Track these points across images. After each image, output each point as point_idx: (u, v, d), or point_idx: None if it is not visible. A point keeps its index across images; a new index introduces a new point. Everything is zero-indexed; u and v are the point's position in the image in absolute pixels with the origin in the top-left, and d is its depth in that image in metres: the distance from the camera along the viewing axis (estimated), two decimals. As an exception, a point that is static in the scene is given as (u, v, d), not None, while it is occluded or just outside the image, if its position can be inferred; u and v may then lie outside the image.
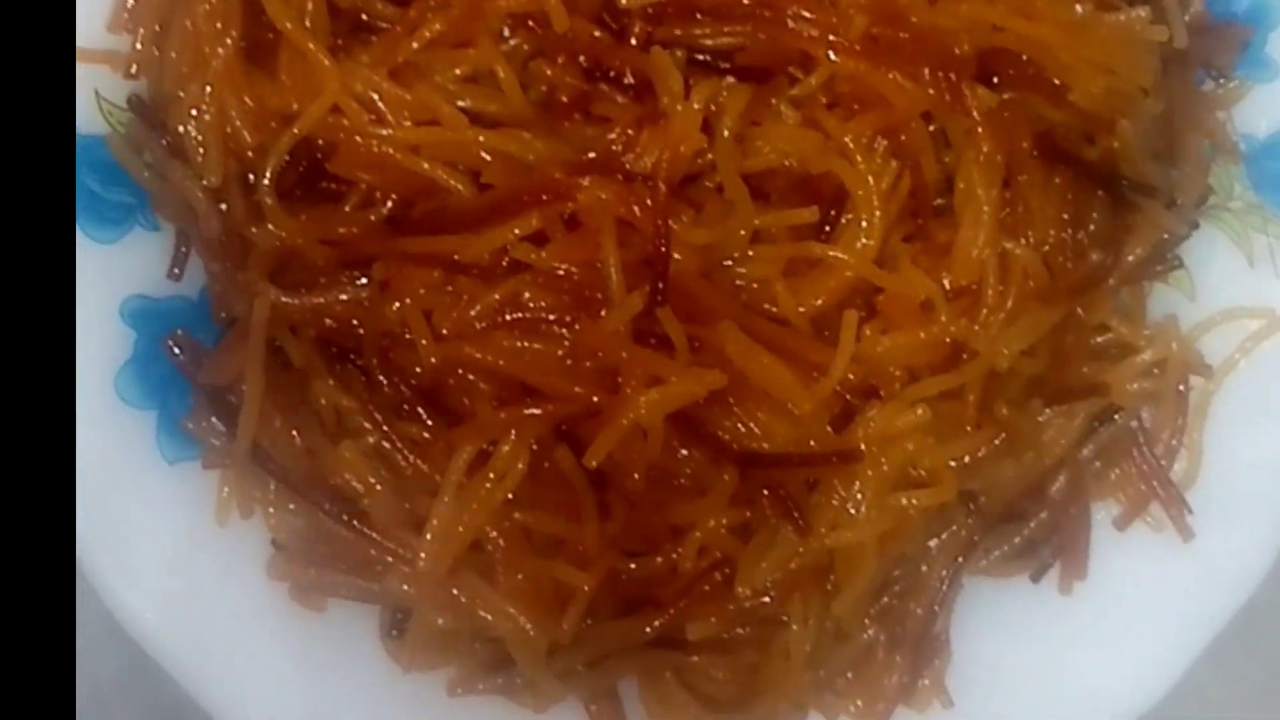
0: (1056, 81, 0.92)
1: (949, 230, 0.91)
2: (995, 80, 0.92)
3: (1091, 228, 0.95)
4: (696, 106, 0.86)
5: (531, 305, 0.85)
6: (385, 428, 0.87)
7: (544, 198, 0.85)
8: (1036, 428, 0.95)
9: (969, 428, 0.92)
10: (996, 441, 0.92)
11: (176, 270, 0.91)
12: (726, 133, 0.86)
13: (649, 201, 0.84)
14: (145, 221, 0.92)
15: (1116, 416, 0.97)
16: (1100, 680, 0.97)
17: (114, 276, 0.90)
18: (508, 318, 0.84)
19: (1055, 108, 0.92)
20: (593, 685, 0.89)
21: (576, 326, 0.84)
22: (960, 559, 0.95)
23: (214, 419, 0.89)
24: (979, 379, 0.91)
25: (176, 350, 0.90)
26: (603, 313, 0.84)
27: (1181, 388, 0.99)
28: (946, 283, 0.90)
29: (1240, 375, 1.00)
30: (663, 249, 0.84)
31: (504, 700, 0.90)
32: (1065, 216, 0.93)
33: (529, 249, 0.84)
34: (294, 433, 0.89)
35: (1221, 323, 1.00)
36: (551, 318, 0.85)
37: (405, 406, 0.88)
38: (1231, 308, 1.00)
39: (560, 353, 0.84)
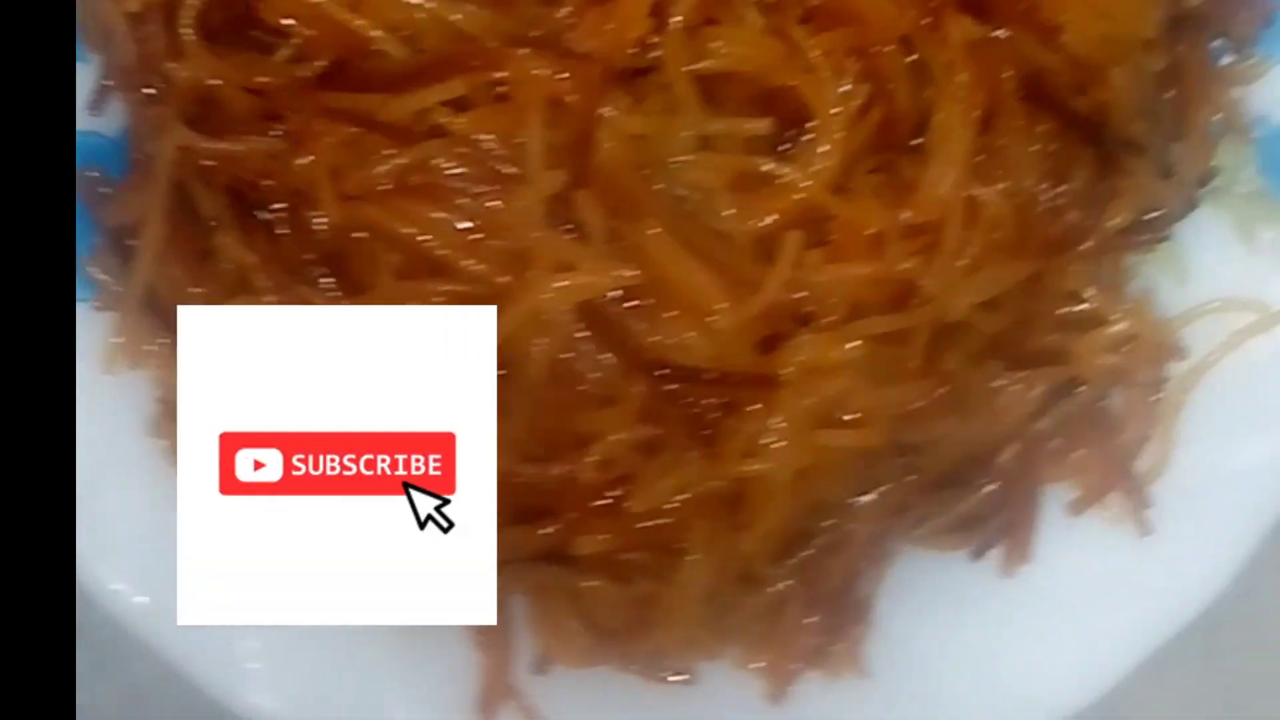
0: (1050, 21, 0.85)
1: (919, 168, 0.85)
2: (983, 12, 0.85)
3: (1074, 185, 0.89)
4: (647, -8, 0.80)
5: (443, 172, 0.78)
6: (285, 289, 0.82)
7: (474, 64, 0.79)
8: (990, 391, 0.89)
9: (912, 377, 0.84)
10: (939, 393, 0.84)
11: (96, 104, 0.87)
12: (676, 22, 0.81)
13: (582, 81, 0.78)
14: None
15: (1080, 390, 0.89)
16: (1032, 671, 0.91)
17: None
18: (414, 184, 0.78)
19: (1046, 49, 0.86)
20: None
21: (489, 201, 0.78)
22: (890, 520, 0.88)
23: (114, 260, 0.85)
24: (927, 324, 0.85)
25: (86, 185, 0.85)
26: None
27: (1160, 374, 0.91)
28: (905, 216, 0.84)
29: (1224, 370, 0.94)
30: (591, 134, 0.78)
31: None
32: (1045, 168, 0.87)
33: (448, 113, 0.80)
34: (193, 286, 0.84)
35: (1211, 312, 0.94)
36: (462, 189, 0.79)
37: (308, 270, 0.83)
38: (1224, 297, 0.94)
39: (468, 226, 0.79)
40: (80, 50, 0.88)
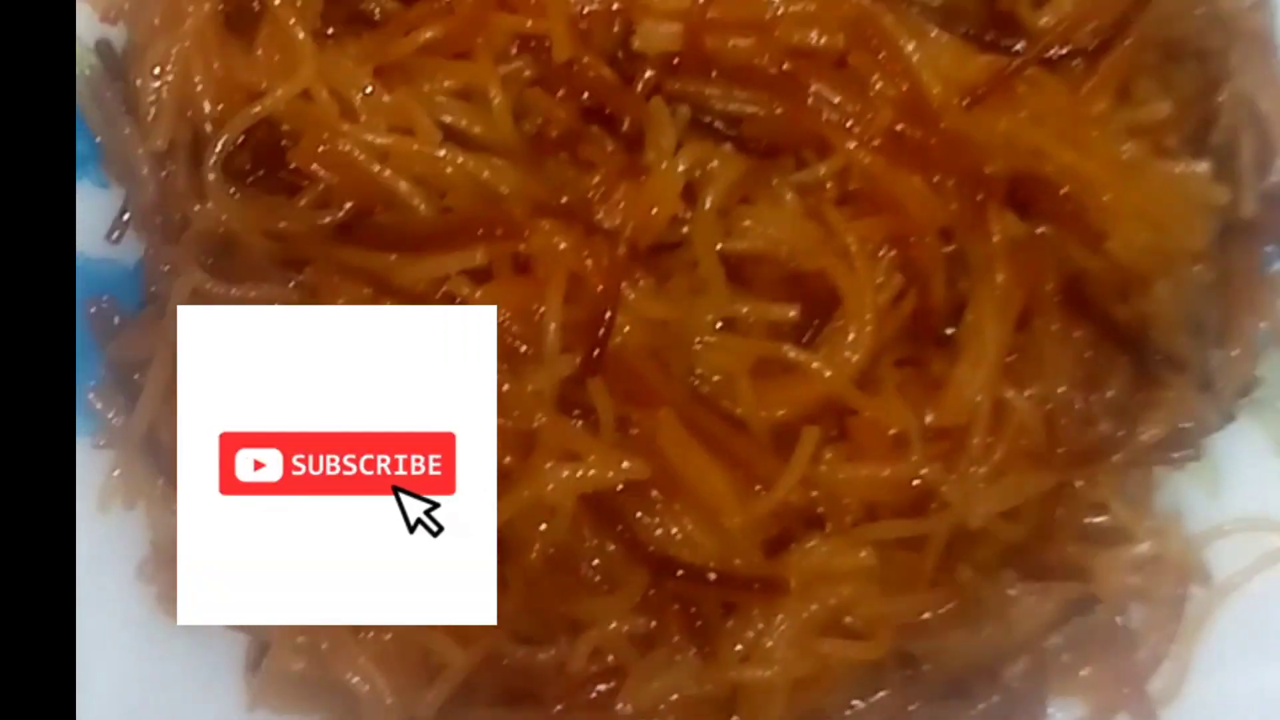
0: (1095, 225, 0.82)
1: (947, 364, 0.82)
2: (1027, 210, 0.83)
3: (1108, 394, 0.86)
4: (681, 168, 0.79)
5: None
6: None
7: (497, 232, 0.77)
8: (1003, 601, 0.86)
9: (922, 585, 0.81)
10: (950, 606, 0.81)
11: (116, 233, 0.86)
12: (709, 202, 0.78)
13: (605, 259, 0.75)
14: (94, 176, 0.87)
15: (1096, 608, 0.86)
16: None
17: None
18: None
19: (1090, 253, 0.83)
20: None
21: (499, 380, 0.75)
22: (888, 728, 0.84)
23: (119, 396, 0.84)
24: (944, 533, 0.82)
25: (95, 316, 0.83)
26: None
27: (1180, 591, 0.87)
28: (930, 419, 0.81)
29: (1251, 594, 0.89)
30: (608, 313, 0.75)
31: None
32: (1080, 375, 0.84)
33: (465, 283, 0.77)
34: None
35: (1241, 530, 0.90)
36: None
37: None
38: (1255, 516, 0.90)
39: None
40: (101, 177, 0.86)
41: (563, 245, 0.77)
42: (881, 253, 0.82)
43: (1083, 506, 0.88)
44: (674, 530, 0.79)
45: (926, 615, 0.82)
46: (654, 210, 0.78)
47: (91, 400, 0.84)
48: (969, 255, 0.83)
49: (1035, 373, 0.83)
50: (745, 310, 0.81)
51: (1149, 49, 0.83)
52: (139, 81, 0.83)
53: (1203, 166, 0.84)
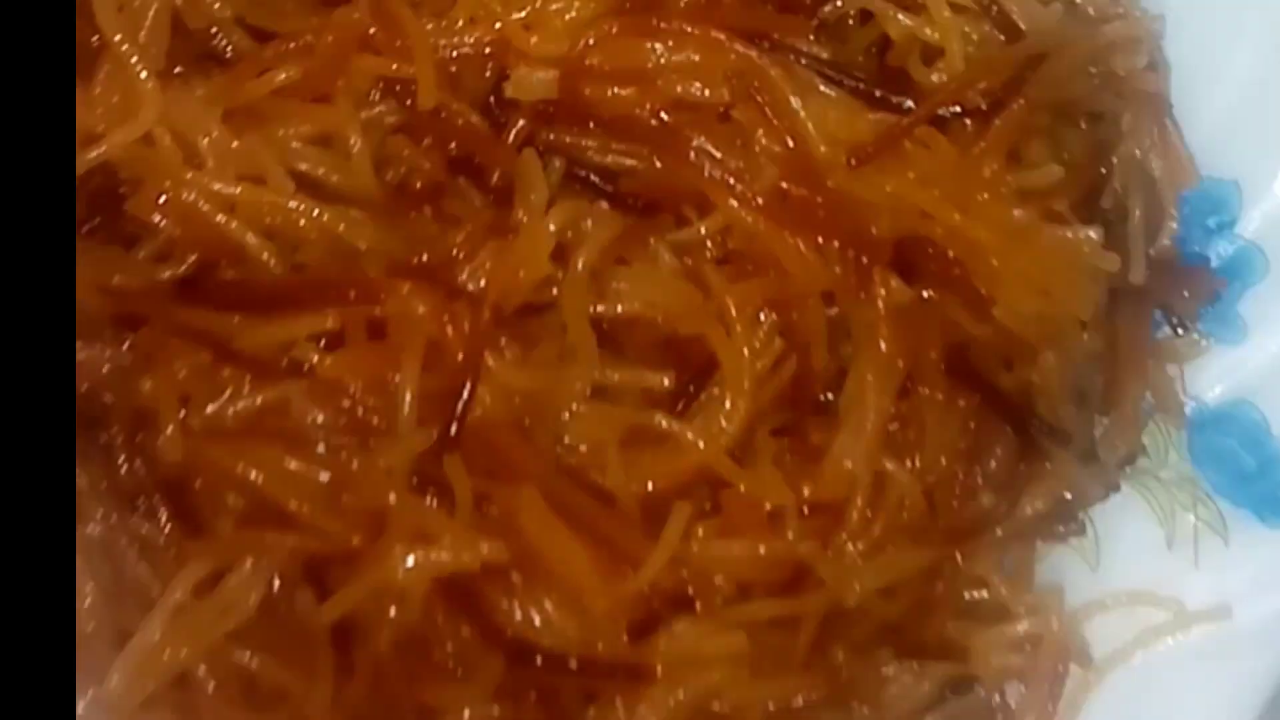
0: (982, 291, 0.79)
1: (826, 433, 0.79)
2: (912, 274, 0.80)
3: (990, 465, 0.83)
4: (552, 227, 0.74)
5: (303, 417, 0.70)
6: (115, 520, 0.73)
7: (351, 294, 0.71)
8: (877, 680, 0.82)
9: (795, 667, 0.78)
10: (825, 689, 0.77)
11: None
12: (580, 264, 0.73)
13: (467, 325, 0.70)
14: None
15: (975, 688, 0.82)
16: None
17: None
18: (272, 426, 0.70)
19: (975, 320, 0.80)
20: None
21: (349, 454, 0.70)
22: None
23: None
24: (818, 612, 0.78)
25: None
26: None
27: (1060, 669, 0.84)
28: (807, 492, 0.77)
29: (1131, 670, 0.87)
30: (467, 384, 0.70)
31: None
32: (962, 446, 0.81)
33: (313, 350, 0.72)
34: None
35: (1121, 606, 0.87)
36: (323, 437, 0.71)
37: (143, 501, 0.75)
38: (1137, 590, 0.88)
39: (324, 479, 0.71)
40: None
41: (421, 309, 0.72)
42: (762, 316, 0.78)
43: (961, 581, 0.84)
44: (533, 614, 0.74)
45: (798, 700, 0.77)
46: (521, 273, 0.73)
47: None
48: (851, 320, 0.79)
49: (917, 443, 0.80)
50: (617, 379, 0.76)
51: (1041, 110, 0.79)
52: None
53: (1093, 232, 0.80)
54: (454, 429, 0.71)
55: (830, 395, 0.80)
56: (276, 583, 0.73)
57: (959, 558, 0.83)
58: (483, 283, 0.74)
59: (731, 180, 0.77)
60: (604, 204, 0.76)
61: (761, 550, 0.77)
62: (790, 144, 0.77)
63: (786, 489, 0.77)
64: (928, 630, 0.83)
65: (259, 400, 0.72)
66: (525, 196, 0.75)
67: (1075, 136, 0.83)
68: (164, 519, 0.75)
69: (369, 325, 0.74)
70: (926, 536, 0.80)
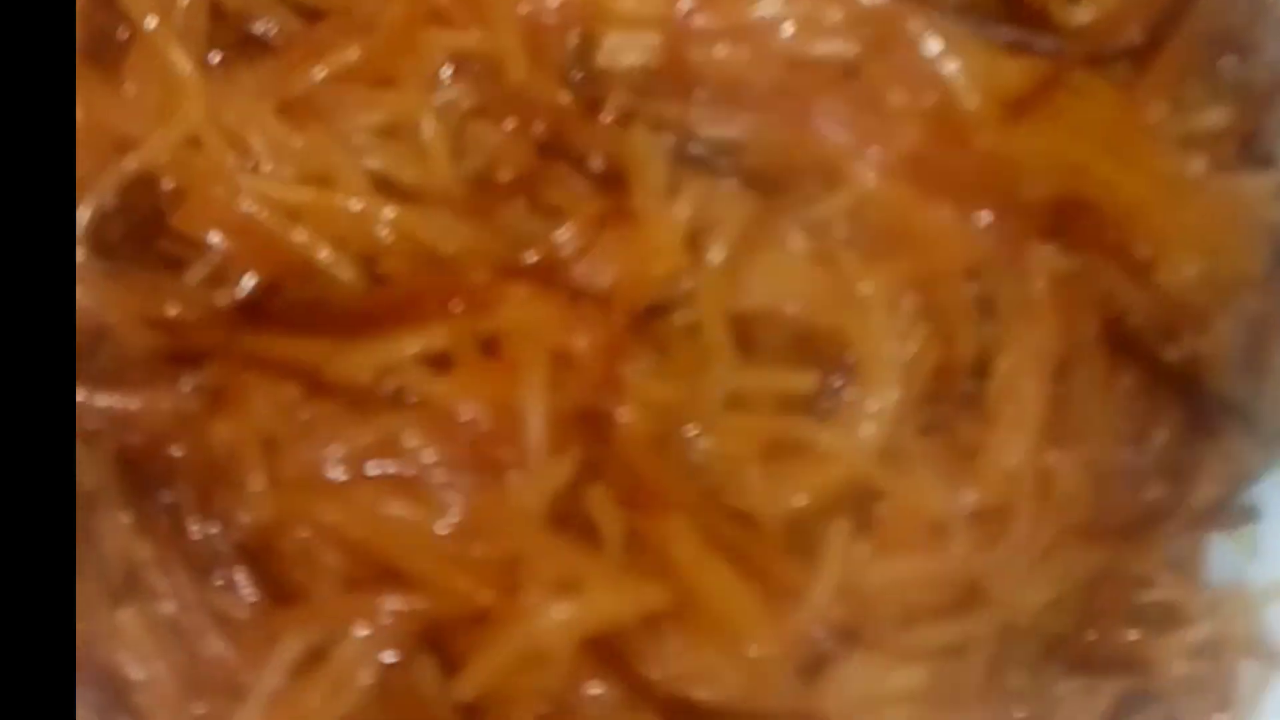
0: (1144, 254, 0.71)
1: (978, 426, 0.70)
2: (1066, 240, 0.71)
3: (1157, 450, 0.74)
4: (683, 215, 0.63)
5: (415, 455, 0.61)
6: (189, 594, 0.62)
7: (457, 306, 0.62)
8: (1052, 702, 0.73)
9: (970, 697, 0.70)
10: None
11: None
12: (718, 257, 0.63)
13: (599, 333, 0.61)
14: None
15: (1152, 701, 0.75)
16: None
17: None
18: (378, 469, 0.59)
19: (1135, 287, 0.72)
20: None
21: (473, 495, 0.61)
22: None
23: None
24: (993, 634, 0.69)
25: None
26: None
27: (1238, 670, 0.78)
28: (968, 497, 0.69)
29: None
30: (608, 404, 0.60)
31: None
32: (1125, 431, 0.73)
33: (424, 375, 0.62)
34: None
35: (1280, 595, 0.79)
36: (440, 477, 0.61)
37: (222, 570, 0.65)
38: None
39: (446, 528, 0.61)
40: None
41: (540, 316, 0.61)
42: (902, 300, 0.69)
43: (1129, 583, 0.75)
44: (690, 664, 0.64)
45: (987, 734, 0.68)
46: (653, 267, 0.63)
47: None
48: (997, 297, 0.70)
49: (1077, 431, 0.71)
50: (757, 381, 0.67)
51: (1202, 46, 0.70)
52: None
53: (1265, 180, 0.71)
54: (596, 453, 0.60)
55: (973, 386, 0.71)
56: (390, 655, 0.62)
57: (1128, 558, 0.74)
58: (606, 280, 0.63)
59: (868, 145, 0.66)
60: (732, 182, 0.66)
61: (930, 568, 0.67)
62: (931, 101, 0.66)
63: (948, 495, 0.68)
64: (1098, 641, 0.75)
65: (363, 439, 0.60)
66: (642, 179, 0.65)
67: (1231, 74, 0.74)
68: (247, 587, 0.63)
69: (479, 340, 0.62)
70: (1097, 536, 0.72)
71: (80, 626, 0.64)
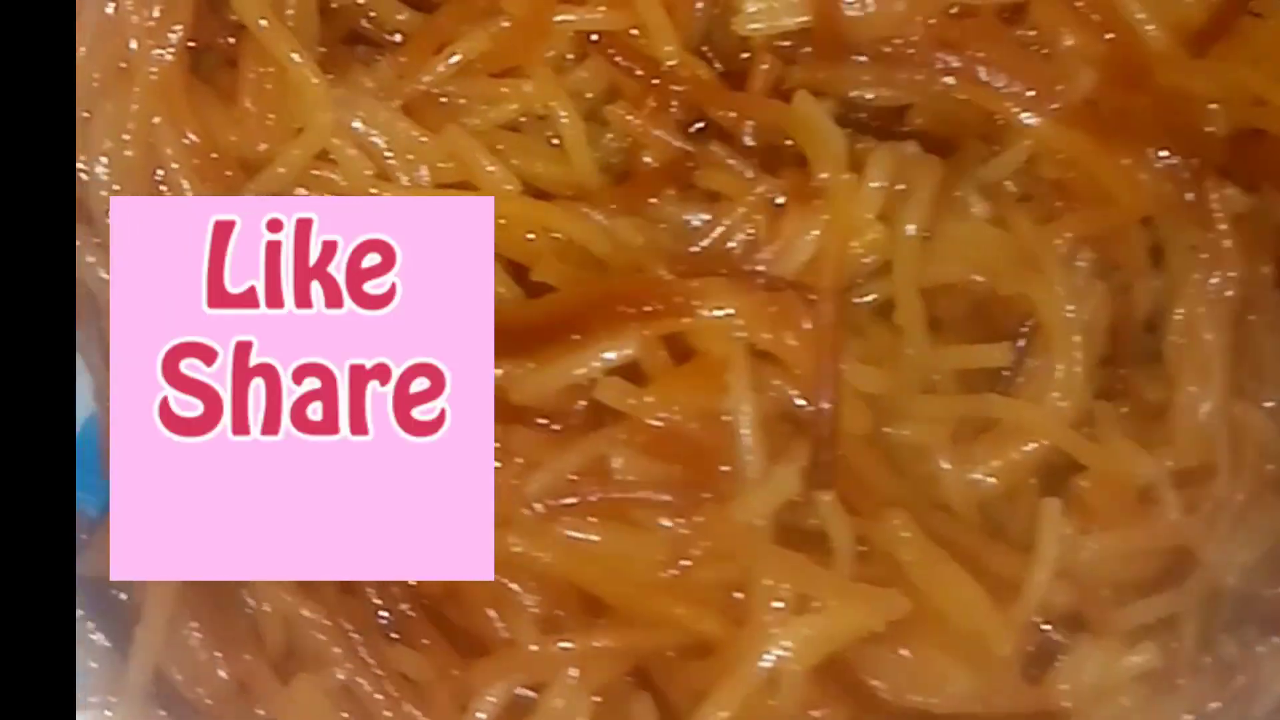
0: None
1: (1158, 385, 0.65)
2: (1243, 177, 0.66)
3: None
4: (875, 184, 0.58)
5: (623, 478, 0.55)
6: (365, 656, 0.56)
7: (645, 309, 0.56)
8: (1253, 664, 0.68)
9: (1185, 670, 0.65)
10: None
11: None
12: (912, 228, 0.58)
13: (808, 324, 0.55)
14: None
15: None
16: None
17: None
18: (585, 498, 0.53)
19: (1310, 224, 0.67)
20: None
21: (688, 515, 0.55)
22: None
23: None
24: (1202, 602, 0.65)
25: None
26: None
27: None
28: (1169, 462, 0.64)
29: None
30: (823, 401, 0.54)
31: None
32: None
33: (622, 388, 0.56)
34: (217, 655, 0.58)
35: None
36: (649, 498, 0.55)
37: (398, 627, 0.59)
38: None
39: (661, 554, 0.55)
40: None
41: (734, 313, 0.55)
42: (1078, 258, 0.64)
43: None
44: (920, 673, 0.59)
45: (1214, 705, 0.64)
46: (853, 244, 0.57)
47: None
48: (1169, 244, 0.66)
49: (1257, 378, 0.67)
50: (956, 360, 0.63)
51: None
52: (83, 169, 0.57)
53: None
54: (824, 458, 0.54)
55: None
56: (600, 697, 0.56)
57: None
58: (798, 263, 0.58)
59: (1036, 95, 0.61)
60: (913, 147, 0.60)
61: (1141, 538, 0.63)
62: (1110, 37, 0.62)
63: (1150, 459, 0.64)
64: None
65: (573, 462, 0.54)
66: (823, 150, 0.60)
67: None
68: (430, 643, 0.57)
69: (667, 344, 0.57)
70: (1290, 486, 0.67)
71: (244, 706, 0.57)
